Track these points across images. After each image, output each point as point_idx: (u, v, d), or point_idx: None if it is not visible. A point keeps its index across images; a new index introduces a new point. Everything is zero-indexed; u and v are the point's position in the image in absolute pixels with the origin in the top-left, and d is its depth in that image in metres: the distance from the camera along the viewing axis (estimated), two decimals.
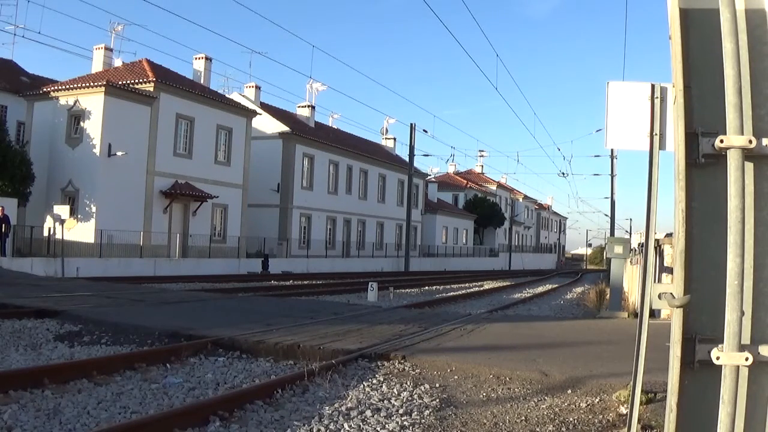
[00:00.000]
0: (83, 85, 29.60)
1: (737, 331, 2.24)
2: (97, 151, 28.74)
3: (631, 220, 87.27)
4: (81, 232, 26.02)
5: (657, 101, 2.81)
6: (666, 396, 2.44)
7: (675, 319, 2.39)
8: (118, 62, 35.01)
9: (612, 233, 43.03)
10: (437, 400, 5.32)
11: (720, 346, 2.29)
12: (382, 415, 4.85)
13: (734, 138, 2.30)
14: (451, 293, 23.03)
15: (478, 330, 9.13)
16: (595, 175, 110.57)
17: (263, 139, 40.91)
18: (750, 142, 2.29)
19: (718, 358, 2.28)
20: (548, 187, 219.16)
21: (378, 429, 4.51)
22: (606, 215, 67.87)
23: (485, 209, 71.76)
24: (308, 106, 48.25)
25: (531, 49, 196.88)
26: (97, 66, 33.99)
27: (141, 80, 31.27)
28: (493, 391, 5.71)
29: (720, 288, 2.30)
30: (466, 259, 64.38)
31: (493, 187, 79.63)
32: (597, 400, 5.38)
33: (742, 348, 2.25)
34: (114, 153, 28.87)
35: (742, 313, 2.27)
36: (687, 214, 2.40)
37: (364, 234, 50.75)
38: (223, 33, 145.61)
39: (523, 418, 4.87)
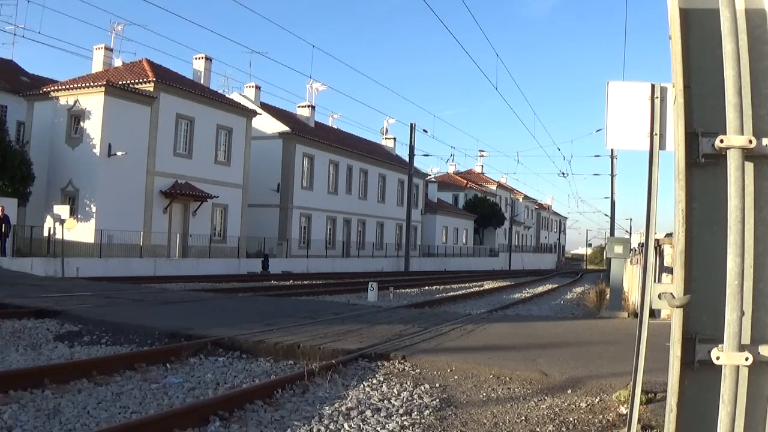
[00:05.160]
0: (83, 85, 29.60)
1: (737, 331, 2.24)
2: (97, 151, 28.74)
3: (631, 220, 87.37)
4: (81, 232, 26.00)
5: (657, 101, 2.81)
6: (666, 396, 2.44)
7: (675, 319, 2.39)
8: (118, 62, 35.02)
9: (612, 233, 43.02)
10: (437, 400, 5.32)
11: (720, 346, 2.29)
12: (382, 415, 4.84)
13: (734, 138, 2.30)
14: (451, 293, 23.02)
15: (478, 330, 9.13)
16: (595, 175, 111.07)
17: (263, 139, 40.92)
18: (750, 142, 2.29)
19: (718, 358, 2.28)
20: (548, 187, 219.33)
21: (378, 429, 4.51)
22: (606, 215, 67.89)
23: (485, 209, 71.77)
24: (308, 106, 48.25)
25: (531, 49, 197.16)
26: (97, 66, 34.00)
27: (141, 80, 31.26)
28: (493, 391, 5.71)
29: (720, 288, 2.30)
30: (466, 259, 64.37)
31: (493, 187, 79.62)
32: (597, 400, 5.38)
33: (742, 348, 2.25)
34: (114, 153, 28.87)
35: (742, 313, 2.27)
36: (687, 214, 2.40)
37: (364, 234, 50.75)
38: (223, 33, 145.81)
39: (523, 418, 4.87)
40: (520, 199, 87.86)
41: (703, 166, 2.42)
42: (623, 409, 4.98)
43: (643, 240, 12.93)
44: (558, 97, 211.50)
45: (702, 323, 2.40)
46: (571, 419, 4.85)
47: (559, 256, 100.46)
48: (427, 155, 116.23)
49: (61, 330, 8.34)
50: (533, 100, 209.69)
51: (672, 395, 2.38)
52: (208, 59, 37.26)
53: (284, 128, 42.38)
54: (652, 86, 2.83)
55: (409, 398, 5.35)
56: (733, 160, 2.30)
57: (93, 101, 28.96)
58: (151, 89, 30.97)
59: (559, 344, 8.12)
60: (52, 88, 30.68)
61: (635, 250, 17.77)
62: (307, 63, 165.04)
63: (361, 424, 4.60)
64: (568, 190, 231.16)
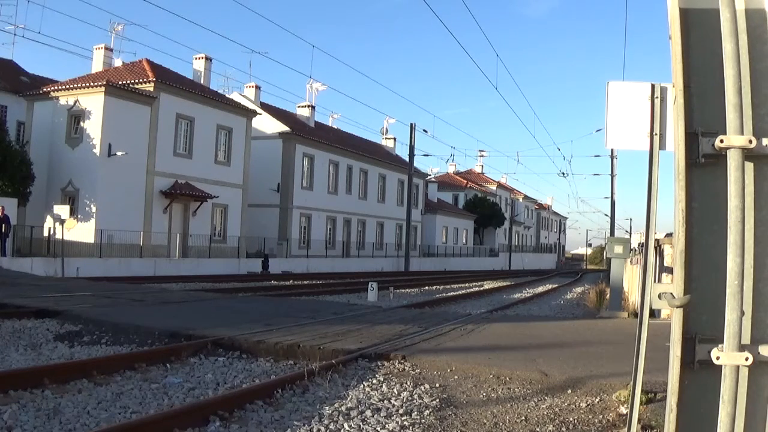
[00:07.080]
0: (83, 85, 29.60)
1: (737, 331, 2.24)
2: (97, 151, 28.73)
3: (631, 220, 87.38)
4: (81, 232, 26.00)
5: (657, 101, 2.81)
6: (666, 396, 2.44)
7: (675, 319, 2.39)
8: (118, 62, 35.01)
9: (612, 233, 43.05)
10: (437, 400, 5.32)
11: (720, 346, 2.28)
12: (382, 415, 4.85)
13: (734, 138, 2.30)
14: (451, 293, 23.02)
15: (478, 330, 9.13)
16: (595, 175, 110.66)
17: (263, 139, 40.91)
18: (750, 142, 2.29)
19: (718, 358, 2.28)
20: (548, 187, 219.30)
21: (378, 429, 4.51)
22: (606, 215, 67.91)
23: (485, 209, 71.76)
24: (308, 106, 48.24)
25: (531, 48, 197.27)
26: (97, 66, 33.99)
27: (141, 80, 31.26)
28: (493, 391, 5.71)
29: (720, 288, 2.29)
30: (466, 259, 64.37)
31: (493, 187, 79.62)
32: (597, 400, 5.38)
33: (742, 348, 2.25)
34: (114, 153, 28.87)
35: (742, 313, 2.26)
36: (687, 214, 2.40)
37: (364, 234, 50.74)
38: (223, 33, 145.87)
39: (523, 418, 4.87)
40: (520, 199, 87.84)
41: (703, 166, 2.42)
42: (623, 409, 4.98)
43: (643, 240, 12.93)
44: (558, 97, 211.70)
45: (702, 323, 2.40)
46: (571, 419, 4.85)
47: (559, 256, 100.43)
48: (427, 155, 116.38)
49: (61, 330, 8.34)
50: (533, 100, 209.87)
51: (672, 395, 2.38)
52: (208, 59, 37.24)
53: (284, 128, 42.38)
54: (652, 86, 2.83)
55: (409, 398, 5.35)
56: (733, 160, 2.30)
57: (93, 101, 28.96)
58: (151, 89, 30.96)
59: (559, 344, 8.12)
60: (52, 88, 30.68)
61: (635, 250, 17.77)
62: (307, 63, 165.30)
63: (361, 424, 4.60)
64: (568, 190, 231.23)
